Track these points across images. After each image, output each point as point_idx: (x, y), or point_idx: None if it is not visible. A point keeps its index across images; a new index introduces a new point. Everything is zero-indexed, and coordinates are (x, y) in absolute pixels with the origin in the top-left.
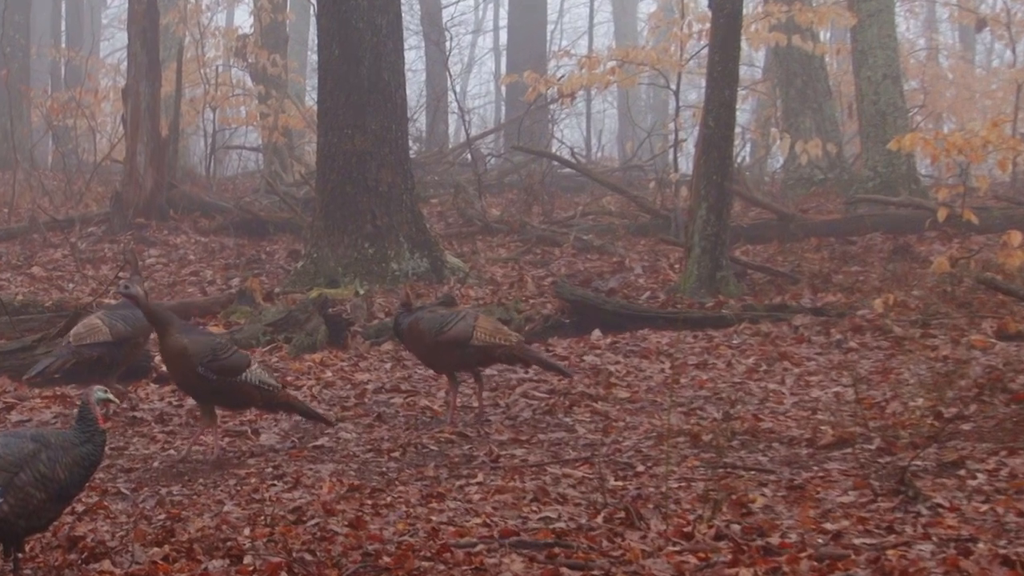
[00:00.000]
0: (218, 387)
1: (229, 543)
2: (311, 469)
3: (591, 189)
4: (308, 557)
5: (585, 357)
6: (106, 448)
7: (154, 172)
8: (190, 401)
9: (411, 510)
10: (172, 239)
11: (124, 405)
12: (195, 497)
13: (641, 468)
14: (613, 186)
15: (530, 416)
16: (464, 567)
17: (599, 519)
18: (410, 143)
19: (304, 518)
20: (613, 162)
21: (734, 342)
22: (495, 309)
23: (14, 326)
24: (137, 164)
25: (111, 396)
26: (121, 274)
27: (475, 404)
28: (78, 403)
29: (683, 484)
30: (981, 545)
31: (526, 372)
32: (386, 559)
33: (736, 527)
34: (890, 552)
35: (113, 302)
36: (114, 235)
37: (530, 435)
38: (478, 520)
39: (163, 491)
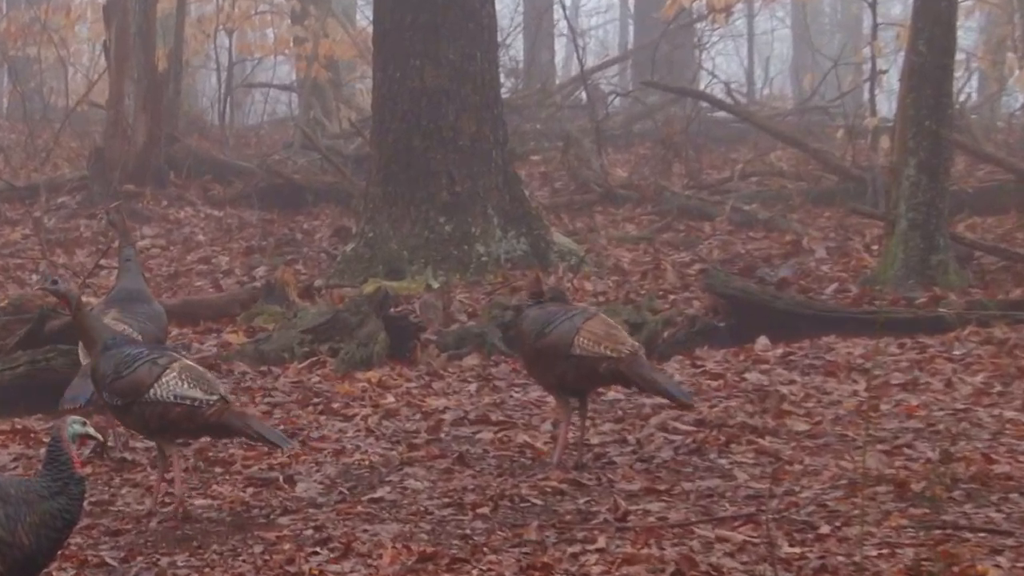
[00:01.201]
0: (136, 415)
1: None
2: (367, 531)
3: (754, 140)
4: None
5: (746, 375)
6: (85, 502)
7: (148, 120)
8: (202, 439)
9: None
10: (173, 212)
11: (110, 443)
12: (207, 570)
13: (826, 529)
14: (785, 136)
15: (671, 456)
16: None
17: None
18: (502, 78)
19: None
20: (785, 102)
21: (956, 353)
22: (620, 308)
23: None
24: (124, 109)
25: (91, 430)
26: (103, 261)
27: (595, 441)
28: (46, 440)
29: (885, 551)
30: None
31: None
32: None
33: None
34: None
35: (95, 300)
36: (93, 207)
37: (671, 483)
38: None
39: (163, 561)
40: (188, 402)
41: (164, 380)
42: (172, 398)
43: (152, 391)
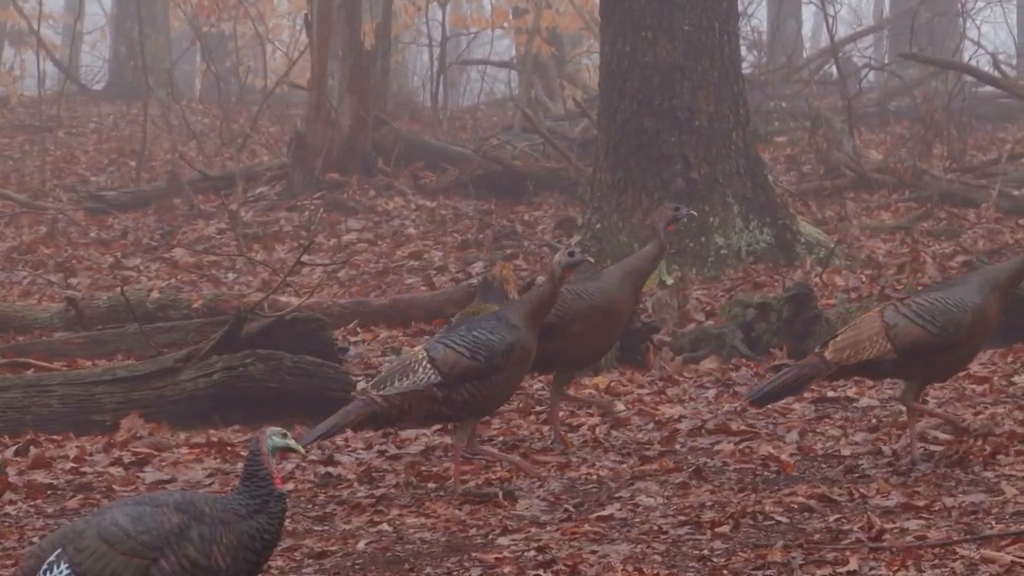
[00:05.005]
0: None
1: None
2: (595, 552)
3: None
4: None
5: (1015, 378)
6: (286, 521)
7: (353, 102)
8: (411, 449)
9: None
10: (382, 203)
11: (313, 456)
12: None
13: None
14: None
15: (930, 469)
16: None
17: None
18: (743, 51)
19: None
20: None
21: None
22: (874, 306)
23: (147, 338)
24: (328, 90)
25: (292, 443)
26: (304, 258)
27: (846, 452)
28: (244, 454)
29: None
30: None
31: (923, 402)
32: None
33: None
34: None
35: (295, 300)
36: (295, 198)
37: (930, 498)
38: None
39: None
40: None
41: None
42: None
43: None
